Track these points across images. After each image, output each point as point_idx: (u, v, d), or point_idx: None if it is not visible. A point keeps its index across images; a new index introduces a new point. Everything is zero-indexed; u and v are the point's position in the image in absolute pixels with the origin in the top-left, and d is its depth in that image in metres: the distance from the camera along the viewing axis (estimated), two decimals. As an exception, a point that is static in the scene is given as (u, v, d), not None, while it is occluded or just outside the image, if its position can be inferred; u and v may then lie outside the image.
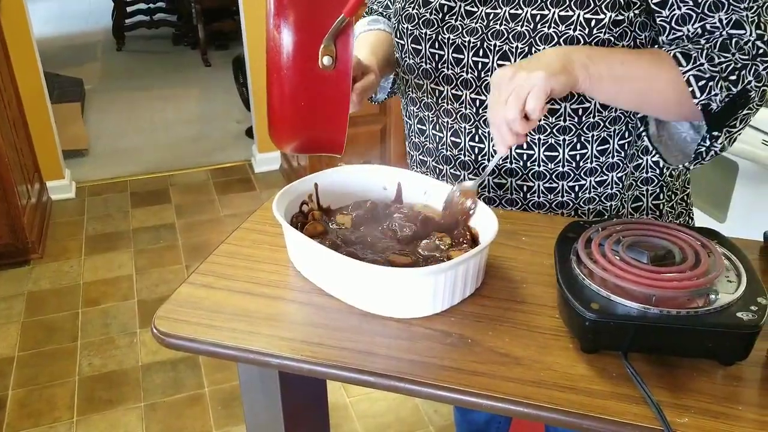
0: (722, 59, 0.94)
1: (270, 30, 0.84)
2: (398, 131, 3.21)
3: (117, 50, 5.97)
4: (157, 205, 3.50)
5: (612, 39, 0.99)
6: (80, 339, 2.57)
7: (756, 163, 1.67)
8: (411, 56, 1.13)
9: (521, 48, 1.01)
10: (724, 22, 0.95)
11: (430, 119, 1.16)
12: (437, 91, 1.12)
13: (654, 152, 1.09)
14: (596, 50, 0.97)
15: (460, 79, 1.08)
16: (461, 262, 0.85)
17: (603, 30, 0.98)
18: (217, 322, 0.88)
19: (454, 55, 1.07)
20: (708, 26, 0.95)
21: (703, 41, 0.96)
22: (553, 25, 0.99)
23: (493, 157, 1.10)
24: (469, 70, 1.07)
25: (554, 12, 0.99)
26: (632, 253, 0.84)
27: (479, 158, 1.13)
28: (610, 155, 1.09)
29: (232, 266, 1.00)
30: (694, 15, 0.96)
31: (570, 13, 0.98)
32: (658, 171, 1.13)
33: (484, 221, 0.96)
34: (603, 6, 0.97)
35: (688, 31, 0.97)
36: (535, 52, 1.00)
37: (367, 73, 1.04)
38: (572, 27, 0.98)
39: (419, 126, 1.19)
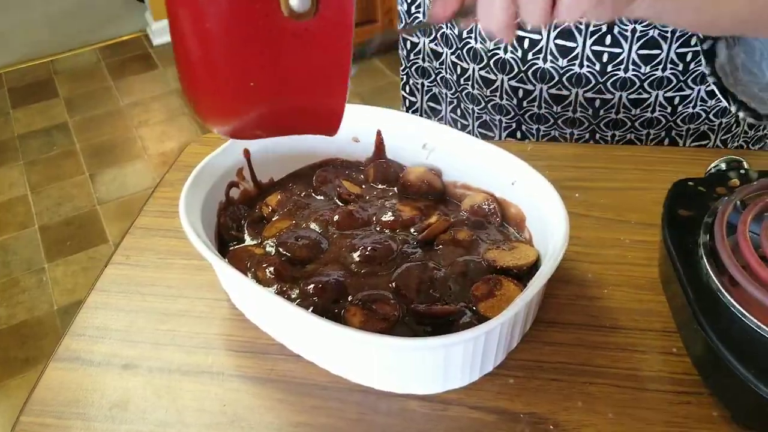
0: None
1: None
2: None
3: None
4: (43, 101, 2.93)
5: None
6: (-24, 286, 2.15)
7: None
8: None
9: None
10: None
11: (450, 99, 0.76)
12: None
13: (730, 102, 0.71)
14: None
15: None
16: (533, 297, 0.49)
17: None
18: (119, 440, 0.52)
19: None
20: None
21: None
22: None
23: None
24: None
25: None
26: (815, 254, 0.49)
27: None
28: None
29: (125, 311, 0.61)
30: None
31: None
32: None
33: (531, 191, 0.59)
34: None
35: None
36: None
37: None
38: None
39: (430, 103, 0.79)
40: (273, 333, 0.57)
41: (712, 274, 0.50)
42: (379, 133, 0.67)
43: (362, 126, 0.67)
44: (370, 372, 0.52)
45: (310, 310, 0.54)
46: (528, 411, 0.51)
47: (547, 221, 0.56)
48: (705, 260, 0.51)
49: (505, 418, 0.51)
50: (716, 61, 0.68)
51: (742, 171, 0.58)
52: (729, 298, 0.48)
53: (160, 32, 3.21)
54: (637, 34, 0.69)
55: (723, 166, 0.60)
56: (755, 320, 0.46)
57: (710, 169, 0.60)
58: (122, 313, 0.61)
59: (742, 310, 0.47)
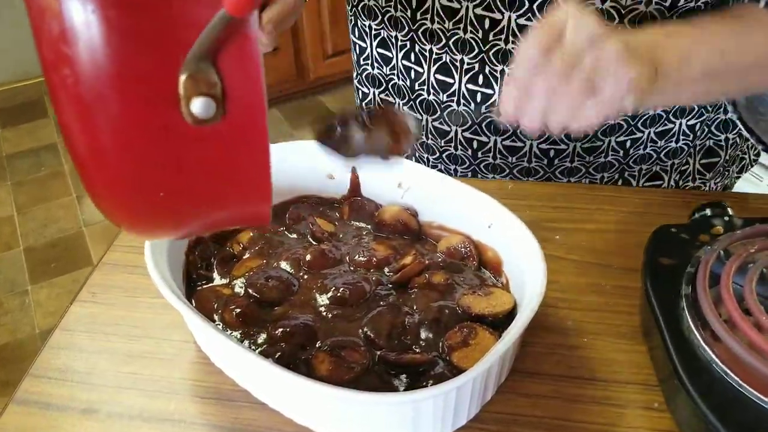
0: None
1: (51, 36, 0.33)
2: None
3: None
4: (32, 122, 2.91)
5: None
6: (-42, 307, 2.12)
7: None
8: None
9: None
10: None
11: (401, 43, 0.73)
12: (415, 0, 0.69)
13: (744, 130, 0.70)
14: (682, 34, 0.53)
15: None
16: (508, 348, 0.47)
17: None
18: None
19: None
20: None
21: None
22: None
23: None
24: None
25: None
26: (799, 309, 0.48)
27: (483, 110, 0.72)
28: None
29: (88, 352, 0.59)
30: None
31: None
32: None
33: (508, 233, 0.57)
34: None
35: None
36: None
37: None
38: None
39: (380, 51, 0.76)
40: (238, 379, 0.54)
41: (693, 328, 0.48)
42: (354, 171, 0.65)
43: (338, 163, 0.65)
44: (336, 425, 0.49)
45: (276, 355, 0.51)
46: (501, 469, 0.49)
47: (524, 267, 0.54)
48: (687, 313, 0.49)
49: (477, 476, 0.48)
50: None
51: (726, 218, 0.57)
52: (711, 354, 0.46)
53: (153, 54, 3.21)
54: None
55: (708, 211, 0.58)
56: (738, 379, 0.44)
57: (694, 215, 0.59)
58: (85, 354, 0.59)
59: (725, 367, 0.45)
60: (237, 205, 0.39)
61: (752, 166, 0.87)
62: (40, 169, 2.65)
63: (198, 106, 0.34)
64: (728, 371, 0.45)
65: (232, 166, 0.36)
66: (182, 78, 0.33)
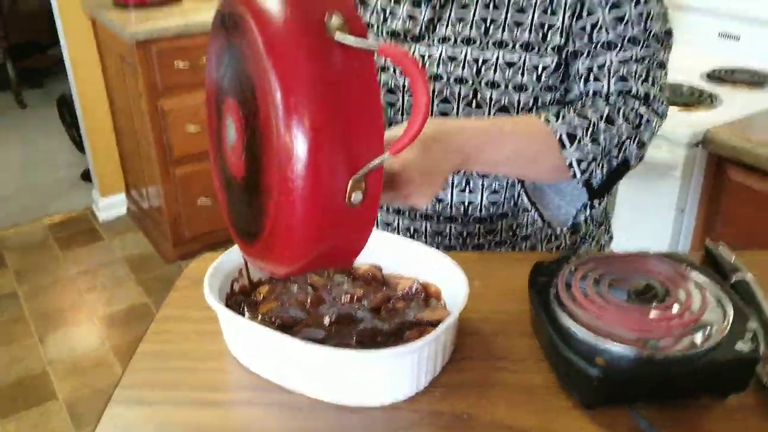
0: (606, 136, 0.94)
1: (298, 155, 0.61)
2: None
3: None
4: (-10, 271, 3.10)
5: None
6: (-75, 447, 2.20)
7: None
8: None
9: (465, 93, 0.95)
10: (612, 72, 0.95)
11: None
12: None
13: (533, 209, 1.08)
14: (481, 135, 0.90)
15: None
16: (449, 327, 0.76)
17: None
18: (167, 448, 0.73)
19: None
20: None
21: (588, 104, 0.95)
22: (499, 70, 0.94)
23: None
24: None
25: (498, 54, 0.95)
26: (618, 294, 0.80)
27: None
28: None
29: (164, 370, 0.84)
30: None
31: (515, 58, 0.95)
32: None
33: (444, 273, 0.88)
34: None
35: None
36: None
37: None
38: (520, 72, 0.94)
39: None
40: (270, 376, 0.81)
41: (558, 310, 0.79)
42: (337, 243, 0.96)
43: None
44: (340, 389, 0.76)
45: (299, 353, 0.79)
46: (449, 410, 0.76)
47: (456, 291, 0.85)
48: (555, 303, 0.80)
49: (435, 415, 0.76)
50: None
51: (578, 255, 0.89)
52: (569, 321, 0.77)
53: (106, 207, 3.48)
54: (486, 185, 1.03)
55: (569, 254, 0.91)
56: (583, 329, 0.75)
57: (561, 257, 0.91)
58: (159, 371, 0.84)
59: (576, 325, 0.76)
60: (354, 245, 0.70)
61: (608, 247, 1.21)
62: (2, 315, 2.81)
63: (354, 197, 0.65)
64: (579, 327, 0.75)
65: (357, 229, 0.69)
66: (351, 182, 0.64)
